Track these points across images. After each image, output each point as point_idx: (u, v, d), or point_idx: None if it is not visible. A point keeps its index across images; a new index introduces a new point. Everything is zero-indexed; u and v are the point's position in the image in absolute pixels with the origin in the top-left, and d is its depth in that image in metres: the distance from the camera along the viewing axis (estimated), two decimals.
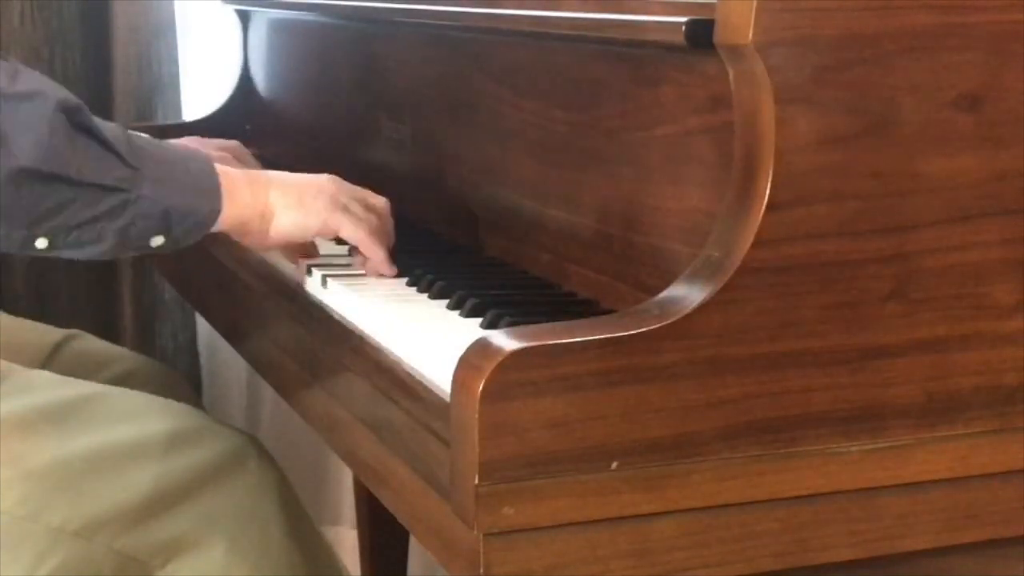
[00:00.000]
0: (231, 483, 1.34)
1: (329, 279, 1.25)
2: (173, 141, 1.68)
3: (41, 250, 1.16)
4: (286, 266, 1.35)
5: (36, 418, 1.33)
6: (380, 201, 1.31)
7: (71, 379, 1.45)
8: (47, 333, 1.65)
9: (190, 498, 1.32)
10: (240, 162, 1.69)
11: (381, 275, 1.28)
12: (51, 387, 1.41)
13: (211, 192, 1.21)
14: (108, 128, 1.17)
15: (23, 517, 1.27)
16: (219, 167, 1.23)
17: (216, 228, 1.22)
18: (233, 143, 1.69)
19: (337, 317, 1.19)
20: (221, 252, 1.46)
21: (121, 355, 1.71)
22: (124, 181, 1.15)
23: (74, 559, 1.27)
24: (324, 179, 1.29)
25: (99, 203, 1.15)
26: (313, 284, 1.28)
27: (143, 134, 1.58)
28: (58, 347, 1.63)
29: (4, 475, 1.27)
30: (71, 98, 1.15)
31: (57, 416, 1.34)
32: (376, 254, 1.27)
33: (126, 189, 1.16)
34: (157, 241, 1.19)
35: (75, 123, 1.15)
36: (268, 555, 1.34)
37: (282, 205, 1.25)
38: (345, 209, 1.26)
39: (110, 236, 1.16)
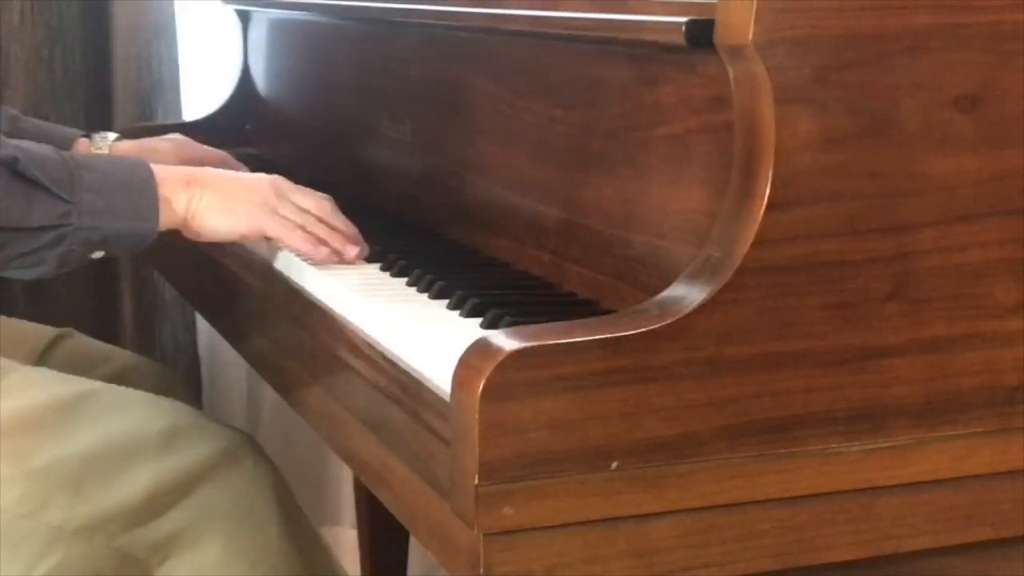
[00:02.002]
0: (227, 480, 1.34)
1: (333, 281, 1.25)
2: (151, 140, 1.69)
3: None
4: (287, 267, 1.35)
5: (36, 415, 1.34)
6: (314, 202, 1.34)
7: (69, 376, 1.45)
8: (40, 332, 1.65)
9: (187, 496, 1.32)
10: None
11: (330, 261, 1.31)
12: (50, 384, 1.40)
13: (148, 211, 1.28)
14: (46, 165, 1.24)
15: (23, 515, 1.27)
16: (158, 173, 1.30)
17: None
18: (221, 154, 1.68)
19: (338, 317, 1.19)
20: (221, 252, 1.46)
21: (114, 353, 1.71)
22: (61, 217, 1.25)
23: (74, 557, 1.27)
24: (259, 181, 1.35)
25: (38, 239, 1.25)
26: (315, 285, 1.28)
27: (92, 153, 1.64)
28: (51, 346, 1.63)
29: (5, 473, 1.28)
30: (5, 151, 1.22)
31: (56, 414, 1.34)
32: (301, 249, 1.31)
33: (63, 224, 1.25)
34: (97, 254, 1.30)
35: (12, 173, 1.22)
36: (265, 553, 1.34)
37: (210, 208, 1.31)
38: (274, 212, 1.32)
39: (51, 261, 1.26)
